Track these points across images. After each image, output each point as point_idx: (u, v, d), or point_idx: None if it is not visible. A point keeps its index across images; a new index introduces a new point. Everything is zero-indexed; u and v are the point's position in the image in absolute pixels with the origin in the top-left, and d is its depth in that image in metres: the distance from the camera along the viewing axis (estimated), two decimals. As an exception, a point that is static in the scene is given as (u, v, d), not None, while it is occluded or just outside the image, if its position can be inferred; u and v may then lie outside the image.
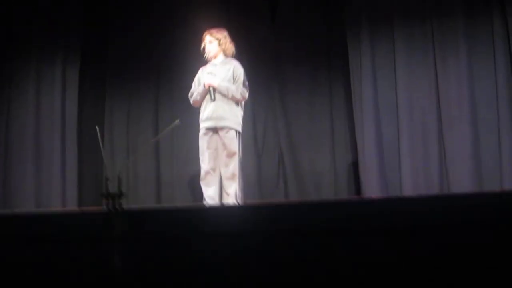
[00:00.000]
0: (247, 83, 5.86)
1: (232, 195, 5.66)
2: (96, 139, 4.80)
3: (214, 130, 5.76)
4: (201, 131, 5.82)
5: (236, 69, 5.86)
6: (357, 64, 6.65)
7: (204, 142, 5.79)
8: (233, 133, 5.73)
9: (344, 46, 6.78)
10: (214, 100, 5.72)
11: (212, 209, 5.09)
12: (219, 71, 5.83)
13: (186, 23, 7.01)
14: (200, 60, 6.05)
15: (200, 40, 6.00)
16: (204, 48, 5.95)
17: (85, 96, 7.34)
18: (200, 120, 5.85)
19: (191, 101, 5.96)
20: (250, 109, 6.84)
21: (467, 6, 6.34)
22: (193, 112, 6.04)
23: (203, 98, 5.84)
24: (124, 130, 7.50)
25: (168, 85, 7.36)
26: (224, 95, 5.73)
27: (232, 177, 5.68)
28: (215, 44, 5.89)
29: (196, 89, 5.92)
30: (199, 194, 6.01)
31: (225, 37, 5.91)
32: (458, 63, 6.29)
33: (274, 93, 7.18)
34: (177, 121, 4.70)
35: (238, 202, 5.66)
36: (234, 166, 5.69)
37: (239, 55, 6.10)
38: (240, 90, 5.76)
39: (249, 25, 7.15)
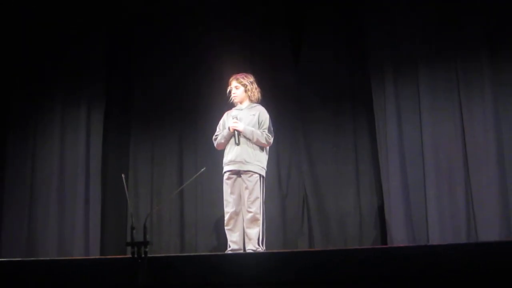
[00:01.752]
0: (272, 128, 5.87)
1: (255, 239, 5.61)
2: (121, 186, 4.80)
3: (237, 173, 5.75)
4: (225, 176, 5.82)
5: (262, 114, 5.88)
6: (382, 106, 6.64)
7: (228, 187, 5.78)
8: (256, 177, 5.70)
9: (368, 88, 6.77)
10: (238, 144, 5.73)
11: (235, 257, 5.06)
12: (244, 116, 5.86)
13: (210, 68, 7.08)
14: (224, 105, 6.09)
15: (224, 84, 6.06)
16: (229, 92, 5.99)
17: (109, 142, 7.42)
18: (223, 163, 5.86)
19: (215, 144, 5.98)
20: (274, 151, 6.84)
21: (491, 48, 6.28)
22: (217, 156, 6.05)
23: (227, 141, 5.85)
24: (149, 176, 7.51)
25: (192, 130, 7.40)
26: (249, 139, 5.74)
27: (254, 221, 5.64)
28: (242, 90, 5.94)
29: (220, 133, 5.93)
30: (223, 237, 5.99)
31: (251, 83, 5.95)
32: (483, 105, 6.22)
33: (298, 136, 7.16)
34: (203, 169, 4.70)
35: (261, 247, 5.62)
36: (256, 210, 5.65)
37: (263, 99, 6.11)
38: (265, 136, 5.77)
39: (272, 69, 7.18)
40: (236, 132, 5.74)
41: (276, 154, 6.98)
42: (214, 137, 6.01)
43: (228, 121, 5.90)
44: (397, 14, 6.69)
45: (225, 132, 5.86)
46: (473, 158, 6.19)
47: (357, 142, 7.03)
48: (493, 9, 6.28)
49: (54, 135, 7.24)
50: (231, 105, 6.05)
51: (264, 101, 6.10)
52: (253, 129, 5.76)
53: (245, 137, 5.74)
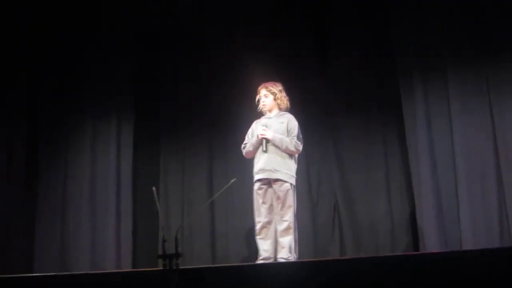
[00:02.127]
0: (301, 136, 5.87)
1: (287, 248, 5.60)
2: (151, 198, 4.82)
3: (268, 183, 5.74)
4: (256, 186, 5.82)
5: (290, 122, 5.89)
6: (411, 112, 6.57)
7: (259, 197, 5.78)
8: (287, 186, 5.70)
9: (397, 93, 6.71)
10: (266, 151, 5.73)
11: (267, 266, 5.06)
12: (273, 124, 5.87)
13: (238, 78, 7.08)
14: (253, 113, 6.10)
15: (253, 93, 6.09)
16: (258, 101, 6.01)
17: (139, 154, 7.46)
18: (253, 172, 5.87)
19: (244, 153, 6.01)
20: (304, 158, 6.83)
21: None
22: (247, 165, 6.06)
23: (256, 149, 5.86)
24: (179, 187, 7.53)
25: (222, 140, 7.41)
26: (278, 147, 5.74)
27: (287, 230, 5.63)
28: (271, 98, 5.96)
29: (249, 141, 5.95)
30: (254, 246, 5.98)
31: (280, 91, 5.98)
32: (515, 106, 6.16)
33: (327, 143, 7.12)
34: (233, 180, 4.71)
35: (293, 256, 5.62)
36: (289, 219, 5.65)
37: (291, 106, 6.12)
38: (294, 143, 5.76)
39: (299, 76, 7.16)
40: (264, 140, 5.75)
41: (306, 162, 6.95)
42: (242, 145, 6.04)
43: (257, 129, 5.92)
44: (425, 18, 6.63)
45: (254, 140, 5.88)
46: (505, 161, 6.10)
47: (387, 148, 6.97)
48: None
49: (85, 148, 7.30)
50: (260, 114, 6.07)
51: (292, 109, 6.10)
52: (282, 136, 5.77)
53: (274, 145, 5.75)
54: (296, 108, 6.28)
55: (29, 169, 7.30)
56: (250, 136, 6.02)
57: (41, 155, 7.41)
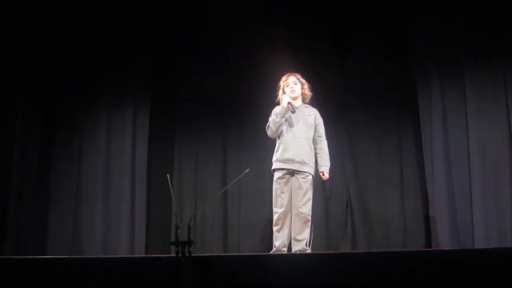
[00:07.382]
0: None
1: (304, 242, 5.59)
2: (165, 186, 4.83)
3: (291, 173, 5.70)
4: (277, 175, 5.73)
5: (318, 117, 5.93)
6: (427, 110, 6.58)
7: (279, 186, 5.70)
8: (310, 178, 5.70)
9: (413, 91, 6.71)
10: (294, 112, 5.73)
11: (280, 257, 5.05)
12: (301, 115, 5.84)
13: (254, 71, 7.08)
14: (268, 106, 6.04)
15: (269, 88, 6.07)
16: (282, 88, 5.96)
17: (154, 144, 7.47)
18: (277, 159, 5.75)
19: (270, 131, 5.81)
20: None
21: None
22: (261, 158, 6.05)
23: (282, 119, 5.74)
24: (193, 178, 7.52)
25: (236, 132, 7.43)
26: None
27: (306, 223, 5.61)
28: (299, 86, 5.96)
29: (272, 119, 5.81)
30: (266, 239, 5.98)
31: (306, 83, 6.00)
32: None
33: (342, 139, 7.14)
34: (247, 171, 4.71)
35: (309, 249, 5.61)
36: (308, 212, 5.63)
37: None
38: (326, 144, 5.89)
39: (318, 72, 7.13)
40: (289, 106, 5.71)
41: (320, 157, 6.97)
42: (267, 125, 5.86)
43: (284, 101, 5.80)
44: (443, 16, 6.63)
45: (279, 108, 5.78)
46: (521, 163, 6.11)
47: (401, 145, 6.99)
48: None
49: (101, 137, 7.33)
50: (276, 104, 5.98)
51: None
52: (327, 158, 5.87)
53: (301, 136, 5.73)
54: (313, 102, 6.27)
55: (44, 154, 7.33)
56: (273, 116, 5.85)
57: (56, 144, 7.42)
